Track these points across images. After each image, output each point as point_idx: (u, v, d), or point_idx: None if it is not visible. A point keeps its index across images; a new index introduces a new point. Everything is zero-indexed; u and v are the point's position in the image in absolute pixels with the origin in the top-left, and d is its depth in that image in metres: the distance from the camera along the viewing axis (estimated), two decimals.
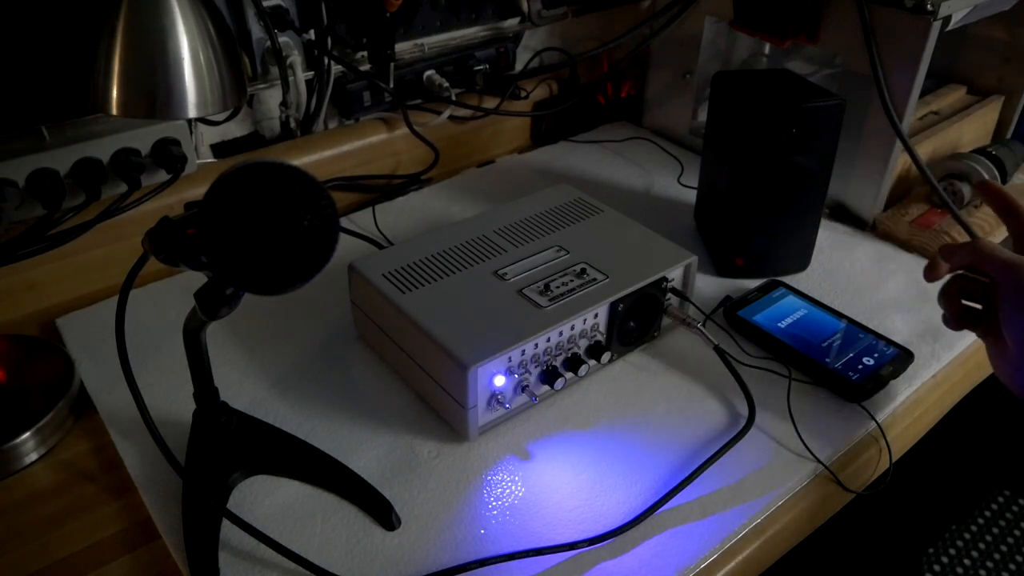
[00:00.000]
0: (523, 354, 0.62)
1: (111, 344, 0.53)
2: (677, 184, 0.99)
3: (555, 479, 0.60)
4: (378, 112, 0.99)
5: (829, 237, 0.88)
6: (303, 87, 0.90)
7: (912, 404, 0.69)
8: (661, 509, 0.57)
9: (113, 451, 0.62)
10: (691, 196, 0.96)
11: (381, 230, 0.89)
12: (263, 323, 0.75)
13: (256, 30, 0.84)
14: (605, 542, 0.55)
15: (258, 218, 0.39)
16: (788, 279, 0.82)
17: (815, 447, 0.63)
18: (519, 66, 1.11)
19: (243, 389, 0.68)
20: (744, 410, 0.66)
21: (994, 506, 1.52)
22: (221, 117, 0.85)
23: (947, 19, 0.78)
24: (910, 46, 0.79)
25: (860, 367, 0.69)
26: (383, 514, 0.56)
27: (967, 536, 1.46)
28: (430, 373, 0.63)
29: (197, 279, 0.47)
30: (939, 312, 0.61)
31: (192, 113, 0.67)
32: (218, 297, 0.46)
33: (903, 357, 0.71)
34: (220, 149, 0.91)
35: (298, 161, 0.91)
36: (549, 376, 0.64)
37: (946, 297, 0.61)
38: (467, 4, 1.00)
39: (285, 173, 0.40)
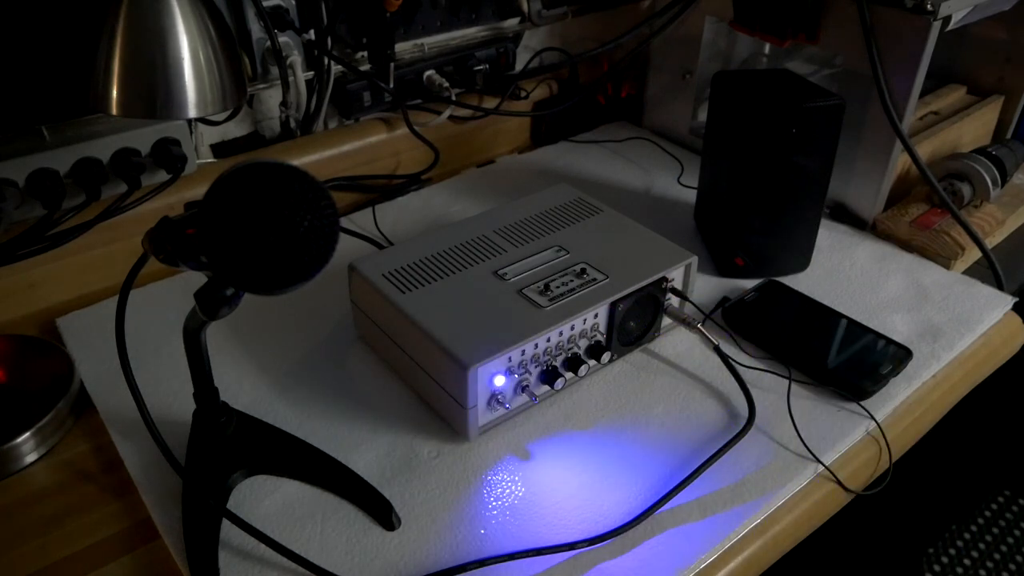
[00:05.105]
0: (523, 354, 0.62)
1: (111, 344, 0.53)
2: (677, 184, 0.99)
3: (555, 479, 0.60)
4: (378, 112, 0.99)
5: (829, 237, 0.88)
6: (303, 87, 0.90)
7: (912, 404, 0.69)
8: (661, 509, 0.57)
9: (113, 451, 0.62)
10: (691, 196, 0.96)
11: (381, 230, 0.89)
12: (263, 323, 0.75)
13: (256, 30, 0.84)
14: (605, 542, 0.55)
15: (258, 218, 0.39)
16: (788, 279, 0.82)
17: (815, 447, 0.63)
18: (519, 66, 1.11)
19: (243, 389, 0.68)
20: (744, 410, 0.66)
21: (994, 506, 1.52)
22: (221, 117, 0.85)
23: (947, 19, 0.78)
24: (910, 46, 0.79)
25: (860, 366, 0.69)
26: (383, 514, 0.56)
27: (967, 536, 1.46)
28: (430, 373, 0.63)
29: (197, 279, 0.47)
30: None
31: (192, 113, 0.67)
32: (218, 297, 0.46)
33: (903, 356, 0.71)
34: (220, 149, 0.91)
35: (298, 161, 0.91)
36: (549, 376, 0.64)
37: None
38: (467, 4, 1.00)
39: (285, 173, 0.40)
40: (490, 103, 1.05)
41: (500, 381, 0.62)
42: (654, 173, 1.02)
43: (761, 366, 0.71)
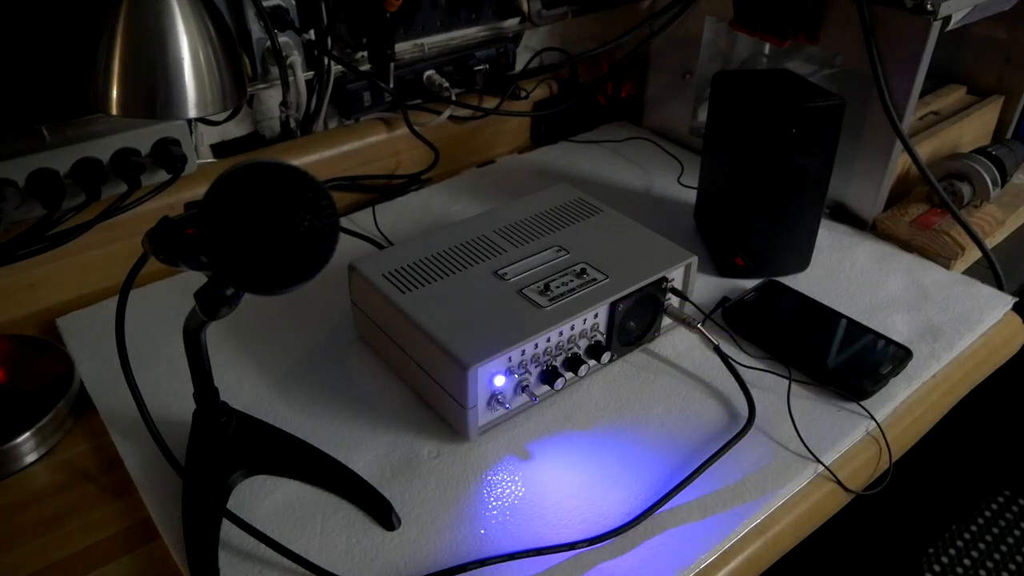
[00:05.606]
0: (523, 354, 0.62)
1: (111, 344, 0.53)
2: (677, 184, 0.99)
3: (555, 479, 0.60)
4: (378, 112, 0.99)
5: (829, 237, 0.88)
6: (303, 87, 0.90)
7: (912, 404, 0.69)
8: (661, 509, 0.57)
9: (113, 451, 0.62)
10: (691, 196, 0.96)
11: (381, 230, 0.89)
12: (263, 323, 0.75)
13: (256, 30, 0.84)
14: (605, 542, 0.55)
15: (258, 218, 0.39)
16: (788, 279, 0.82)
17: (815, 447, 0.63)
18: (519, 66, 1.11)
19: (243, 389, 0.68)
20: (744, 410, 0.66)
21: (994, 506, 1.52)
22: (221, 117, 0.85)
23: (947, 19, 0.78)
24: (910, 46, 0.79)
25: (860, 366, 0.69)
26: (383, 514, 0.56)
27: (967, 536, 1.46)
28: (430, 373, 0.63)
29: (197, 279, 0.47)
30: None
31: (192, 113, 0.67)
32: (218, 297, 0.46)
33: (903, 356, 0.71)
34: (220, 149, 0.91)
35: (298, 161, 0.91)
36: (549, 376, 0.64)
37: None
38: (467, 4, 1.00)
39: (285, 173, 0.40)
40: (490, 103, 1.05)
41: (500, 381, 0.62)
42: (654, 173, 1.02)
43: (761, 366, 0.71)
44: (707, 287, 0.81)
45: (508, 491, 0.59)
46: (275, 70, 0.87)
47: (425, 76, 1.01)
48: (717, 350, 0.67)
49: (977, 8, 0.82)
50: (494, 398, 0.62)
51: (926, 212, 0.90)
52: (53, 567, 0.55)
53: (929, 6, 0.76)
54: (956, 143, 1.00)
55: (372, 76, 0.95)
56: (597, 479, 0.60)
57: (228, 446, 0.60)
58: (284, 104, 0.91)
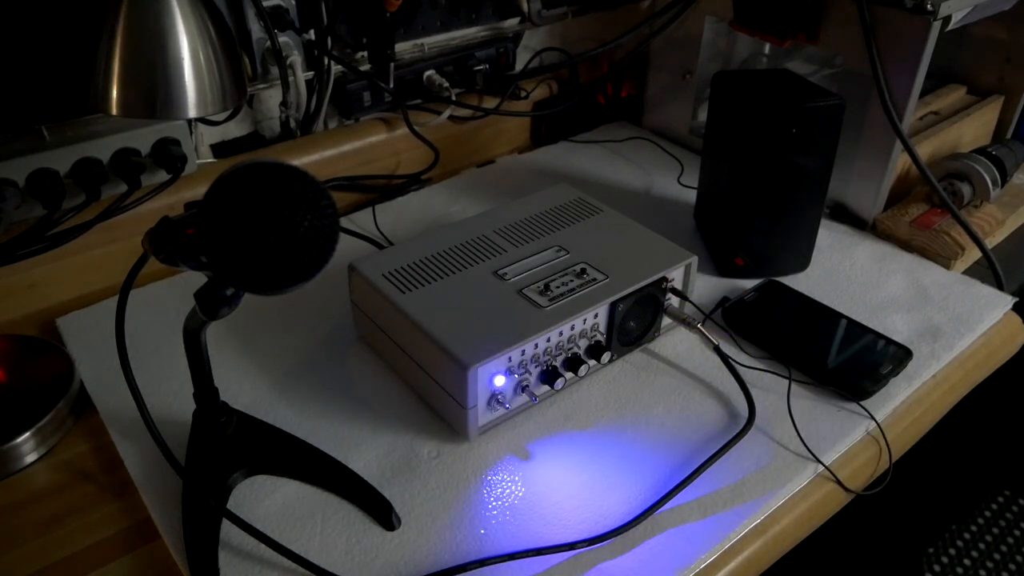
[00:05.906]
0: (523, 354, 0.62)
1: (111, 344, 0.53)
2: (677, 184, 0.99)
3: (555, 479, 0.60)
4: (378, 112, 0.99)
5: (829, 237, 0.88)
6: (303, 87, 0.90)
7: (912, 404, 0.69)
8: (661, 509, 0.57)
9: (113, 451, 0.62)
10: (691, 196, 0.96)
11: (381, 230, 0.89)
12: (263, 323, 0.75)
13: (256, 30, 0.84)
14: (605, 542, 0.55)
15: (258, 218, 0.39)
16: (788, 279, 0.82)
17: (815, 447, 0.63)
18: (519, 66, 1.11)
19: (243, 389, 0.68)
20: (744, 410, 0.66)
21: (994, 506, 1.52)
22: (221, 117, 0.85)
23: (947, 19, 0.78)
24: (910, 46, 0.79)
25: (860, 366, 0.69)
26: (383, 514, 0.56)
27: (967, 536, 1.46)
28: (430, 373, 0.63)
29: (197, 279, 0.47)
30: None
31: (192, 113, 0.67)
32: (218, 297, 0.46)
33: (903, 356, 0.71)
34: (220, 149, 0.91)
35: (298, 161, 0.91)
36: (549, 376, 0.64)
37: None
38: (467, 4, 1.00)
39: (285, 173, 0.40)
40: (490, 103, 1.05)
41: (500, 381, 0.62)
42: (654, 173, 1.02)
43: (761, 366, 0.71)
44: (707, 287, 0.81)
45: (508, 491, 0.59)
46: (275, 70, 0.87)
47: (425, 76, 1.01)
48: (717, 350, 0.67)
49: (977, 8, 0.82)
50: (494, 398, 0.62)
51: (926, 212, 0.90)
52: (53, 567, 0.55)
53: (929, 6, 0.76)
54: (956, 143, 1.00)
55: (372, 76, 0.95)
56: (597, 479, 0.60)
57: (228, 446, 0.60)
58: (284, 104, 0.91)
